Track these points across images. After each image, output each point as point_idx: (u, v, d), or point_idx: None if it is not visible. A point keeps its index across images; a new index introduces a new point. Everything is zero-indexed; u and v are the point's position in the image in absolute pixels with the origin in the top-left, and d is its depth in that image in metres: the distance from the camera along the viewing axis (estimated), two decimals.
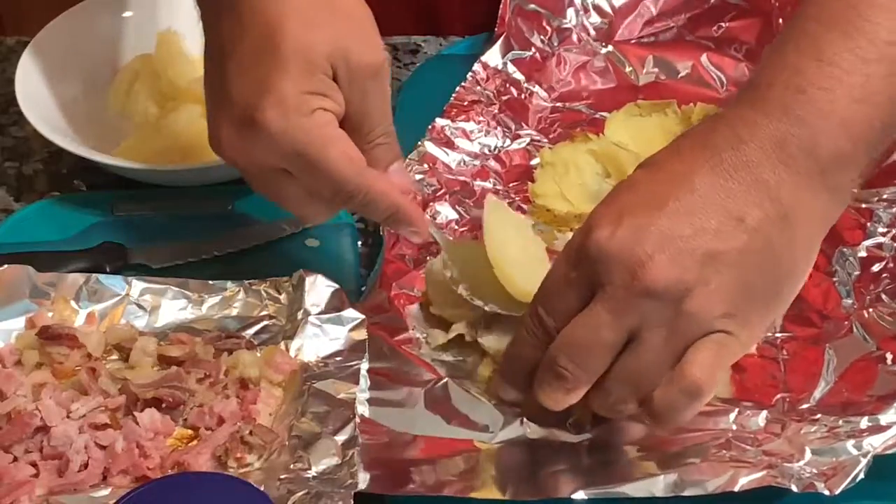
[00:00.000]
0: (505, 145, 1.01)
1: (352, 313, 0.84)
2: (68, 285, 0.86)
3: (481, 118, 1.02)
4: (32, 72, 1.02)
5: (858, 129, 0.73)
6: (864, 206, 0.93)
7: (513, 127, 1.03)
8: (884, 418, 0.77)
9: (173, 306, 0.86)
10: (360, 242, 0.94)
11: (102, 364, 0.81)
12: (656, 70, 1.09)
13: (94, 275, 0.86)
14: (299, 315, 0.84)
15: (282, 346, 0.83)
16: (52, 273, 0.86)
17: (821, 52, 0.74)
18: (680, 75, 1.08)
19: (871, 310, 0.86)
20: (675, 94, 1.05)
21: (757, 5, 1.08)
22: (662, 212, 0.72)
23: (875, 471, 0.74)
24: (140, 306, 0.86)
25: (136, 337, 0.83)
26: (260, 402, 0.80)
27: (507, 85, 1.05)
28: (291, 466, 0.75)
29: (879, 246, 0.91)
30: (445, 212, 0.95)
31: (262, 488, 0.70)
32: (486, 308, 0.84)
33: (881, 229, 0.91)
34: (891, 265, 0.89)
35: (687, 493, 0.73)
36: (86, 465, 0.76)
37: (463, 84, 1.04)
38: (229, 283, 0.87)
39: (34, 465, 0.76)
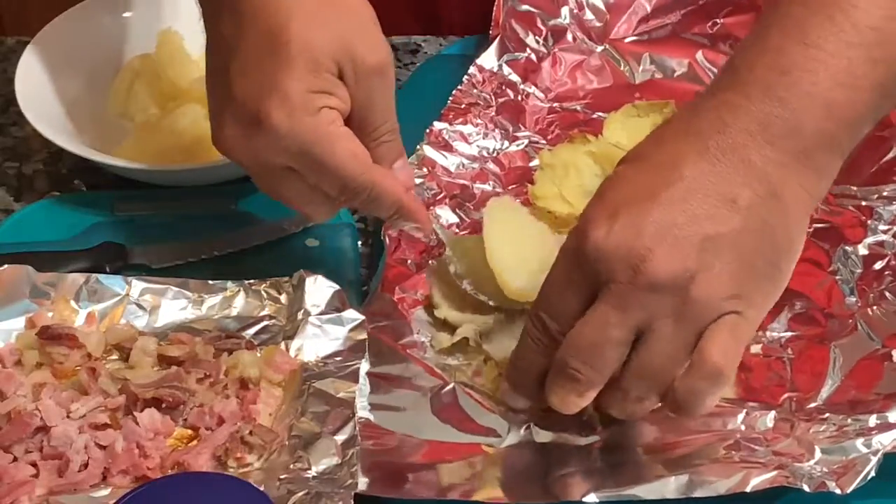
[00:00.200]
0: (503, 147, 1.01)
1: (352, 314, 0.84)
2: (68, 285, 0.85)
3: (479, 121, 1.01)
4: (32, 72, 1.02)
5: (842, 112, 0.73)
6: (864, 203, 0.93)
7: (510, 129, 1.02)
8: (892, 416, 0.77)
9: (173, 306, 0.86)
10: (360, 242, 0.94)
11: (102, 364, 0.81)
12: (652, 68, 1.08)
13: (94, 275, 0.86)
14: (299, 315, 0.84)
15: (282, 346, 0.83)
16: (52, 273, 0.86)
17: (805, 35, 0.73)
18: (676, 73, 1.08)
19: (875, 307, 0.86)
20: (671, 92, 1.05)
21: (751, 1, 1.08)
22: (655, 203, 0.71)
23: (885, 469, 0.73)
24: (140, 306, 0.86)
25: (136, 337, 0.83)
26: (260, 402, 0.79)
27: (504, 87, 1.05)
28: (291, 466, 0.74)
29: (881, 244, 0.90)
30: (446, 215, 0.94)
31: (262, 488, 0.70)
32: (491, 303, 0.84)
33: (882, 227, 0.91)
34: (893, 262, 0.89)
35: (698, 494, 0.73)
36: (86, 465, 0.75)
37: (459, 87, 1.03)
38: (229, 283, 0.87)
39: (34, 465, 0.75)
